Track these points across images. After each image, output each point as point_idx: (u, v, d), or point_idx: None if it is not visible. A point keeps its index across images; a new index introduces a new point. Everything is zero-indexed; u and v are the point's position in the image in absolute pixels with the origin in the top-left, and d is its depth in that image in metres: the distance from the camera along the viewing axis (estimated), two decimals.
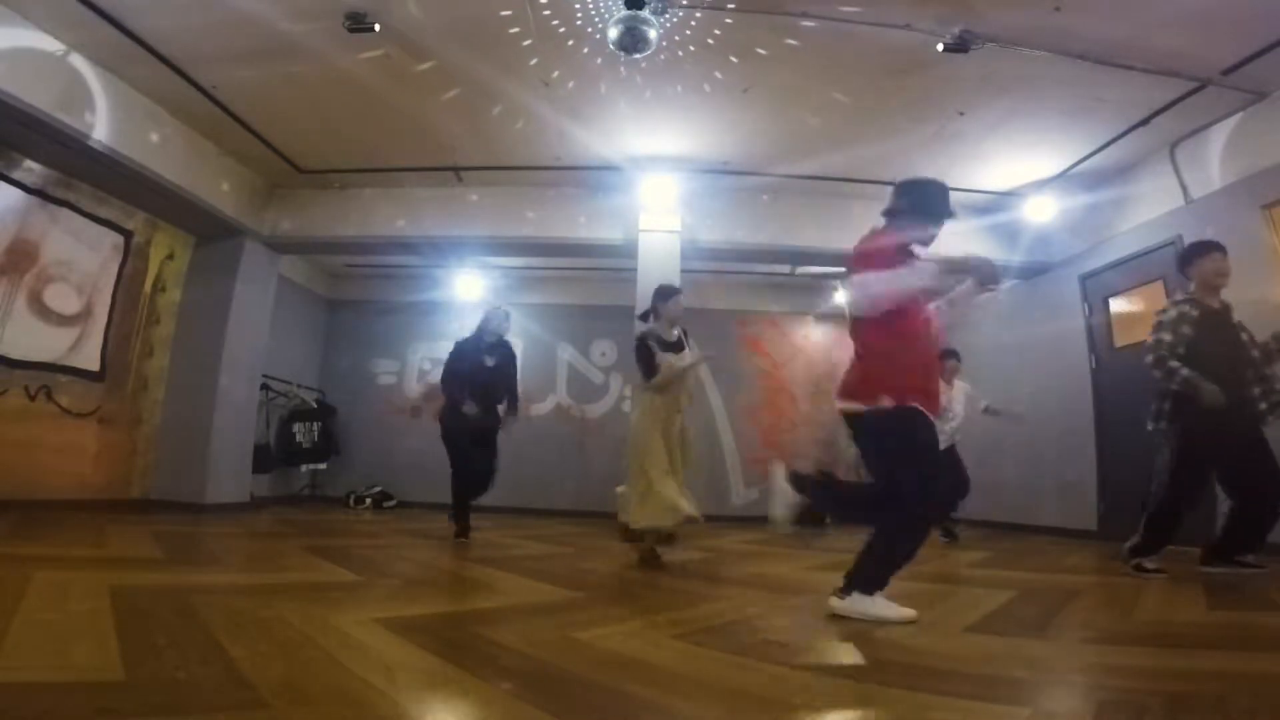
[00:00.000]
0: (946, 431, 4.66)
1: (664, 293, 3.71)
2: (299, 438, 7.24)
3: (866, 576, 2.11)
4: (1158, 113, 4.39)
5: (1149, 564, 3.15)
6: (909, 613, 2.04)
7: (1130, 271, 5.23)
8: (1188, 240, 4.61)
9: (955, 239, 6.70)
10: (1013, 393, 5.86)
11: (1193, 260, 3.27)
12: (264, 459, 6.56)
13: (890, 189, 2.42)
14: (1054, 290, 5.97)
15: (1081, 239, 5.66)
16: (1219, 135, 4.45)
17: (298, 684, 1.26)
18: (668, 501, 3.21)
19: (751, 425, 7.93)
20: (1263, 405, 3.06)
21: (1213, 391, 2.95)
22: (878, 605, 2.07)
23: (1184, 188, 4.71)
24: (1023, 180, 5.49)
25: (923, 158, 5.23)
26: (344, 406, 7.87)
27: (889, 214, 2.32)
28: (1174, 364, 3.07)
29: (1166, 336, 3.13)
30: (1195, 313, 3.15)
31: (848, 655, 1.71)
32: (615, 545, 4.28)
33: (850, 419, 2.22)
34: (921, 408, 2.10)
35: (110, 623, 1.61)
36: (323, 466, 7.54)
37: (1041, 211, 5.59)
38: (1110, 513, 5.06)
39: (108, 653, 1.36)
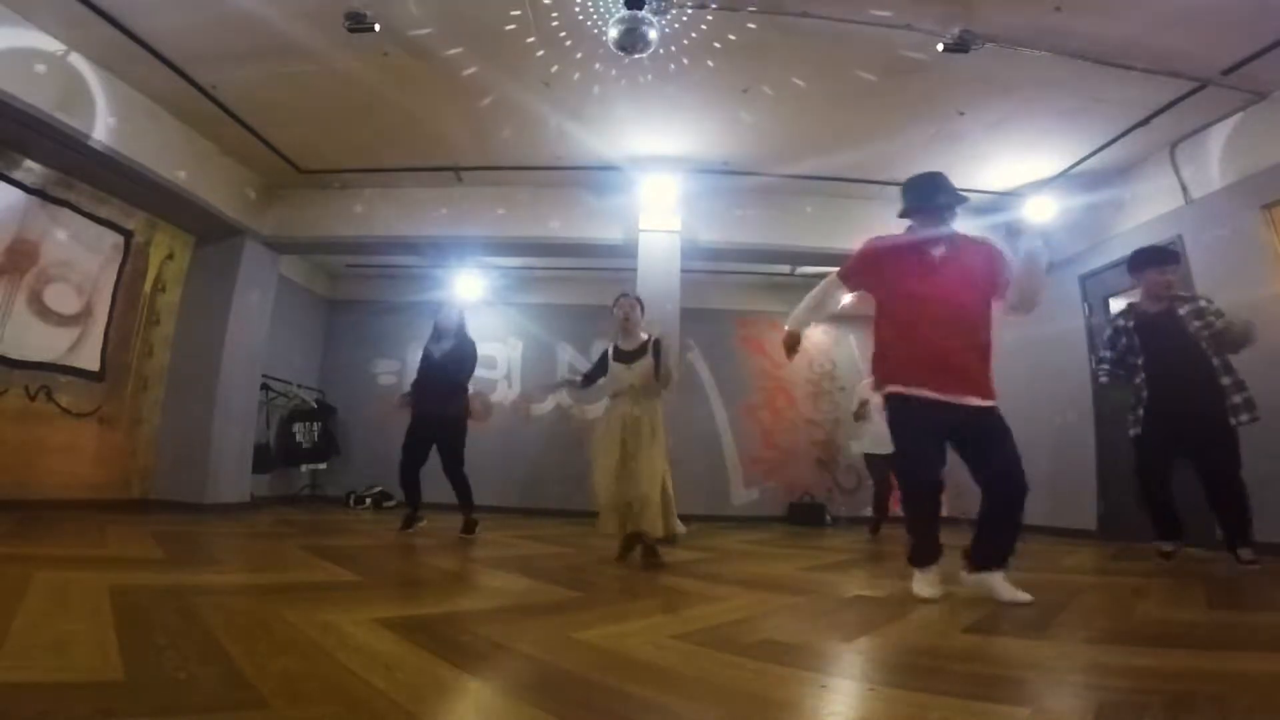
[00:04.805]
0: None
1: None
2: (299, 438, 7.24)
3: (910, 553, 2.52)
4: (1158, 113, 4.39)
5: (1165, 547, 3.39)
6: (928, 592, 2.36)
7: None
8: (1188, 240, 4.64)
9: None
10: (1011, 393, 5.86)
11: (1143, 269, 3.44)
12: (264, 459, 6.56)
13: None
14: (1054, 290, 5.95)
15: (1081, 239, 5.66)
16: (1219, 135, 4.45)
17: (298, 684, 1.26)
18: (603, 512, 3.48)
19: (751, 425, 7.94)
20: (1237, 399, 3.15)
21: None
22: (913, 581, 2.45)
23: (1184, 188, 4.71)
24: (1023, 180, 5.50)
25: (923, 158, 5.22)
26: (344, 406, 7.88)
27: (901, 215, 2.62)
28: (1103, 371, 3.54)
29: (1106, 353, 3.54)
30: (1131, 323, 3.40)
31: (847, 655, 1.71)
32: (615, 545, 4.27)
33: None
34: (904, 390, 2.44)
35: (110, 623, 1.60)
36: (323, 466, 7.54)
37: (1041, 211, 5.59)
38: (1110, 513, 5.06)
39: (108, 653, 1.36)
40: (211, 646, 1.46)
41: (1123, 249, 5.22)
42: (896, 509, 3.31)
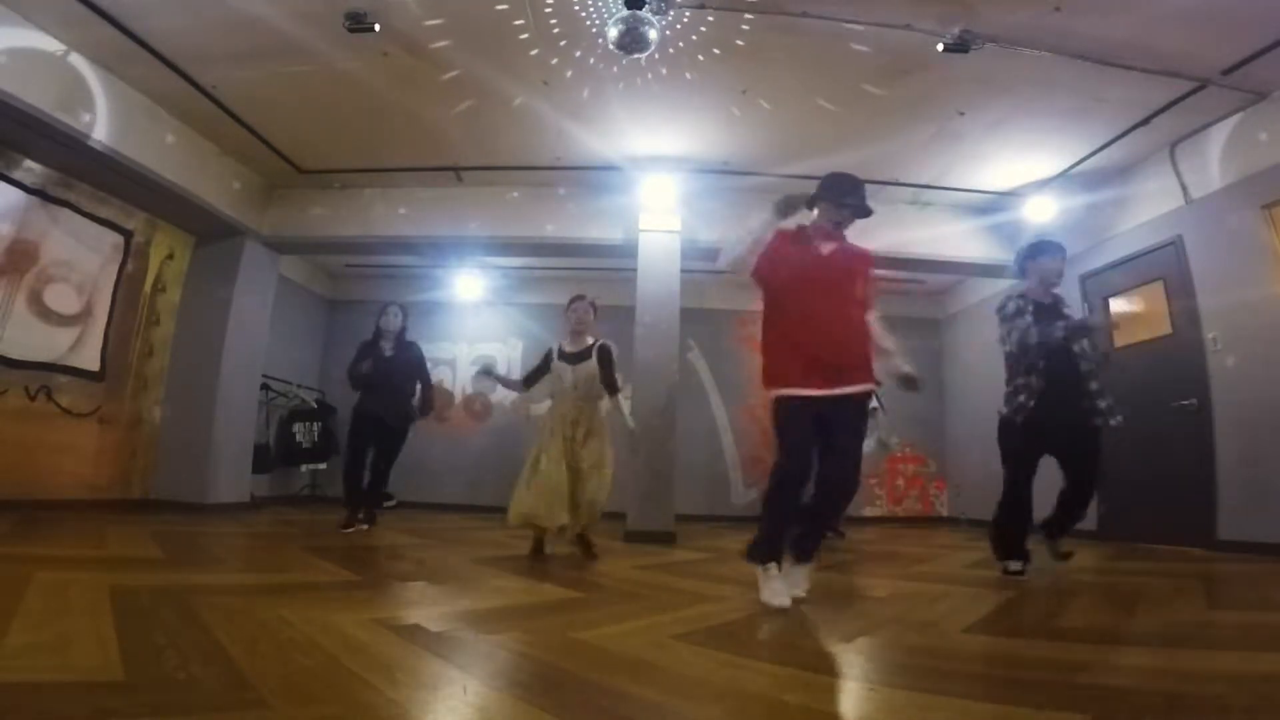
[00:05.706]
0: None
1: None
2: (299, 438, 7.24)
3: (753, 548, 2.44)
4: (1158, 113, 4.39)
5: (1013, 565, 3.17)
6: (779, 602, 2.22)
7: (1130, 271, 5.23)
8: (1189, 240, 4.64)
9: (956, 239, 6.68)
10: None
11: (1037, 257, 3.29)
12: (264, 459, 6.55)
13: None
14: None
15: (1081, 239, 5.64)
16: (1219, 135, 4.44)
17: (298, 684, 1.26)
18: (518, 504, 3.49)
19: (751, 425, 7.93)
20: (1101, 404, 3.07)
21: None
22: (761, 589, 2.34)
23: (1184, 188, 4.71)
24: (1023, 180, 5.49)
25: (923, 158, 5.24)
26: (344, 406, 7.85)
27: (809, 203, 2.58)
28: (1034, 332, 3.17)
29: (1020, 322, 3.19)
30: (1030, 307, 3.24)
31: (848, 655, 1.71)
32: (615, 545, 4.28)
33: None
34: (796, 392, 2.38)
35: (110, 623, 1.60)
36: (323, 466, 7.53)
37: (1041, 211, 5.58)
38: (1110, 513, 5.05)
39: (108, 653, 1.36)
40: (211, 646, 1.46)
41: (1123, 249, 5.26)
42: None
